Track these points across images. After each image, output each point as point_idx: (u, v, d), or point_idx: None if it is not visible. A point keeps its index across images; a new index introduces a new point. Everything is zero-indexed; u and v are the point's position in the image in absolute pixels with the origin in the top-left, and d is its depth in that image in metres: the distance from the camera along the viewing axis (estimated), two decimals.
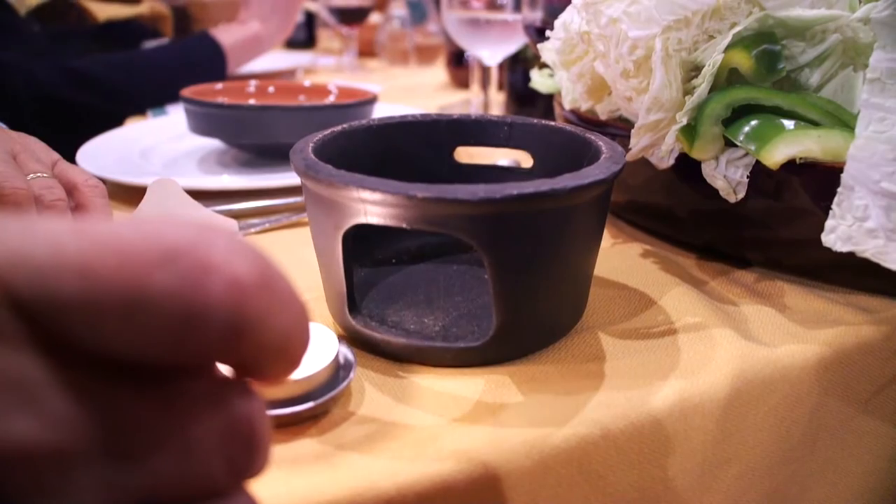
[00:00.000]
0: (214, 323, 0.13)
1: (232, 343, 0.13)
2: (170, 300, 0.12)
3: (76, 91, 0.88)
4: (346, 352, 0.31)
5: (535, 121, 0.41)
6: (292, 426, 0.28)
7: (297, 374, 0.28)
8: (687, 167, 0.39)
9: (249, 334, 0.13)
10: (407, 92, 1.16)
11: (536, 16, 0.71)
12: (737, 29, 0.38)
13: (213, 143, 0.73)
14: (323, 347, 0.30)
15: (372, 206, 0.29)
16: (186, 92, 0.66)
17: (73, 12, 1.02)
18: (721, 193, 0.39)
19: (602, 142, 0.36)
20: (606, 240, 0.48)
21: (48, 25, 1.02)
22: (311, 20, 1.83)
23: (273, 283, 0.14)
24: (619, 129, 0.44)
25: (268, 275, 0.14)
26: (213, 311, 0.13)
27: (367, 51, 1.58)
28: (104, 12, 1.05)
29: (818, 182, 0.36)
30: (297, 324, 0.14)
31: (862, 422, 0.37)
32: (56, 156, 0.50)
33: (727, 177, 0.38)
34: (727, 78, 0.39)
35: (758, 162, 0.37)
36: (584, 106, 0.49)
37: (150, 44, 1.17)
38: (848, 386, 0.35)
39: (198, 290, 0.12)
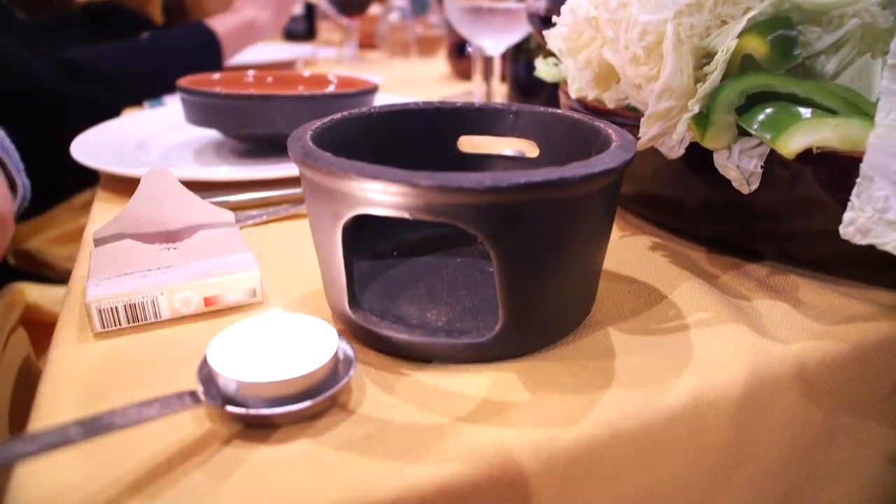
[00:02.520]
0: None
1: None
2: None
3: (71, 82, 0.86)
4: (345, 347, 0.30)
5: (542, 108, 0.40)
6: (290, 425, 0.27)
7: (296, 372, 0.27)
8: (698, 157, 0.38)
9: None
10: (408, 83, 1.15)
11: (540, 4, 0.70)
12: (751, 14, 0.36)
13: (211, 134, 0.72)
14: (322, 343, 0.29)
15: (373, 195, 0.27)
16: (183, 82, 0.64)
17: None
18: (734, 184, 0.37)
19: (612, 129, 0.34)
20: (614, 233, 0.47)
21: (34, 12, 1.00)
22: (311, 11, 1.81)
23: None
24: (628, 118, 0.42)
25: None
26: None
27: (367, 42, 1.57)
28: None
29: (835, 172, 0.35)
30: None
31: (878, 421, 0.36)
32: None
33: (740, 167, 0.37)
34: (741, 64, 0.38)
35: (772, 151, 0.35)
36: (591, 95, 0.47)
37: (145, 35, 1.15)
38: (865, 384, 0.34)
39: None
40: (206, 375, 0.28)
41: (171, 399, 0.26)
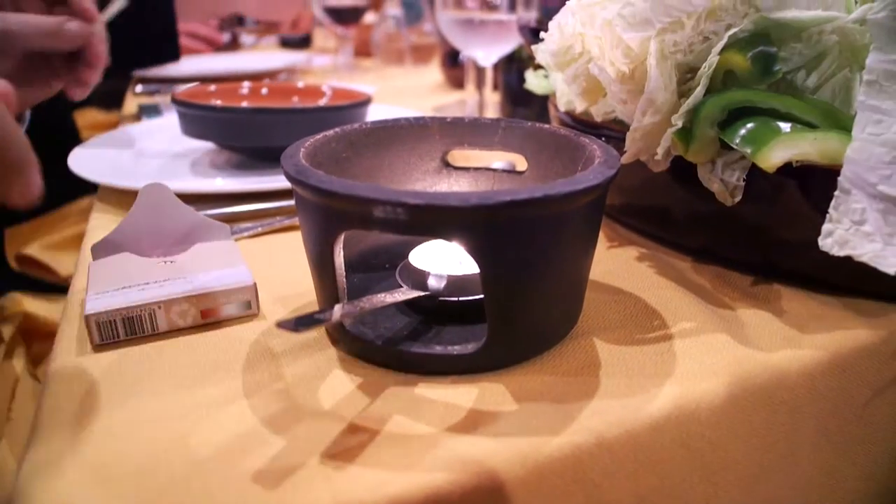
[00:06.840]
0: None
1: None
2: None
3: None
4: None
5: (529, 123, 0.40)
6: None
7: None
8: (682, 170, 0.39)
9: None
10: (402, 92, 1.16)
11: (531, 16, 0.71)
12: (732, 31, 0.37)
13: (207, 146, 0.73)
14: None
15: (363, 213, 0.28)
16: (180, 95, 0.65)
17: None
18: (717, 197, 0.38)
19: (596, 145, 0.35)
20: (601, 243, 0.47)
21: None
22: None
23: None
24: (615, 131, 0.43)
25: None
26: None
27: (362, 50, 1.58)
28: None
29: (815, 185, 0.36)
30: None
31: (860, 426, 0.36)
32: None
33: (723, 180, 0.38)
34: (723, 80, 0.39)
35: (754, 165, 0.36)
36: (579, 108, 0.48)
37: None
38: (846, 391, 0.35)
39: None
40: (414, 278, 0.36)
41: (404, 291, 0.35)
